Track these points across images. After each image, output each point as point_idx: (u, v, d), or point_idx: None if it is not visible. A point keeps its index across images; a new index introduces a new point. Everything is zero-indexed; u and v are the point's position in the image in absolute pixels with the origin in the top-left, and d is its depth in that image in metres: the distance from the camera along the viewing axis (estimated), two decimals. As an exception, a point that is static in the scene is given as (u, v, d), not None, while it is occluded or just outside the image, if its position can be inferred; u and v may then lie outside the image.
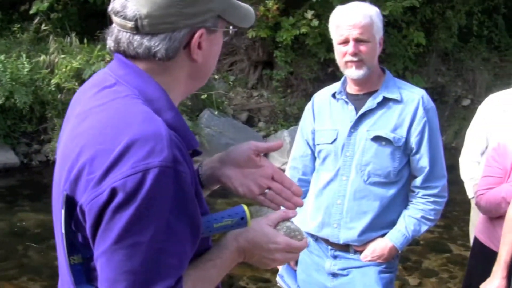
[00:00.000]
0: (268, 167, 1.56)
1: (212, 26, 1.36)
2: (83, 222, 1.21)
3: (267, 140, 10.38)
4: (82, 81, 8.43)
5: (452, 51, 12.71)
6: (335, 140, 2.79)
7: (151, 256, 1.16)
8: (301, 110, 11.11)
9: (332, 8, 2.95)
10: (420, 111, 2.71)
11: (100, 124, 1.25)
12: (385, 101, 2.72)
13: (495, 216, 3.18)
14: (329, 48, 11.10)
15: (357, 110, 2.77)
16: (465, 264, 6.00)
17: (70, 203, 1.23)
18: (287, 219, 1.48)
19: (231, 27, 1.43)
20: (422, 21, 11.74)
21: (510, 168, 3.11)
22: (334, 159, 2.80)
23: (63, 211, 1.23)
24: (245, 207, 1.41)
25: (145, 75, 1.34)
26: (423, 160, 2.73)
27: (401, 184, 2.78)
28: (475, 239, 3.42)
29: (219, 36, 1.41)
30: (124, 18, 1.31)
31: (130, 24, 1.31)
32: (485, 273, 3.25)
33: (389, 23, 10.38)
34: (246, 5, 1.46)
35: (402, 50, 11.48)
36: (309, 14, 10.29)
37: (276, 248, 1.42)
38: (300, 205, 1.56)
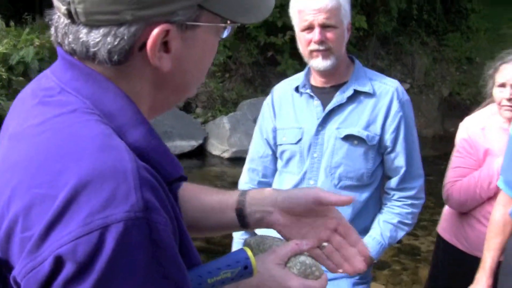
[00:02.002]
0: (333, 218, 1.26)
1: (185, 19, 0.94)
2: None
3: (206, 127, 10.10)
4: (9, 67, 7.90)
5: (391, 35, 12.66)
6: (300, 139, 2.48)
7: None
8: (239, 95, 11.01)
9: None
10: (395, 105, 2.43)
11: (37, 155, 0.86)
12: (356, 94, 2.43)
13: (467, 209, 3.01)
14: (269, 31, 10.99)
15: (324, 105, 2.47)
16: (416, 254, 5.97)
17: (2, 268, 0.85)
18: (301, 252, 1.17)
19: (228, 22, 1.02)
20: (363, 5, 11.61)
21: (482, 159, 2.95)
22: (300, 161, 2.49)
23: None
24: (248, 252, 1.06)
25: (101, 78, 0.95)
26: (399, 159, 2.45)
27: (375, 187, 2.50)
28: (439, 237, 3.26)
29: (205, 34, 0.99)
30: (64, 2, 0.92)
31: (63, 8, 0.92)
32: (452, 274, 3.09)
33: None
34: None
35: (343, 34, 11.33)
36: (249, -4, 9.97)
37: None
38: (362, 270, 1.26)
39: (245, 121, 9.66)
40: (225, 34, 1.04)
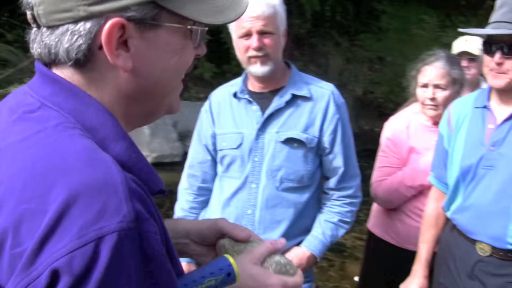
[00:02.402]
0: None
1: (138, 16, 0.94)
2: None
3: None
4: None
5: (305, 36, 12.89)
6: (240, 144, 2.52)
7: None
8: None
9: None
10: (332, 108, 2.51)
11: (24, 171, 0.85)
12: (294, 99, 2.49)
13: (394, 206, 3.14)
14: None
15: (262, 110, 2.52)
16: (342, 250, 6.12)
17: None
18: (275, 252, 1.20)
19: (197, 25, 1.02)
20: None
21: (406, 157, 3.09)
22: (241, 165, 2.53)
23: None
24: (230, 259, 1.09)
25: (81, 92, 0.95)
26: (337, 160, 2.54)
27: (314, 188, 2.57)
28: (370, 233, 3.38)
29: (169, 35, 0.99)
30: (27, 6, 0.95)
31: (29, 14, 0.95)
32: (384, 267, 3.22)
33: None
34: None
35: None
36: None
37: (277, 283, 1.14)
38: None
39: (164, 126, 9.58)
40: (197, 37, 1.03)
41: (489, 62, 2.34)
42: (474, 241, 2.42)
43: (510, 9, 2.27)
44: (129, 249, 0.81)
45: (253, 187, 2.50)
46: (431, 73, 3.04)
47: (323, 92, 2.53)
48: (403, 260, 3.01)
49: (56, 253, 0.78)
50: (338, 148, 2.52)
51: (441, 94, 3.01)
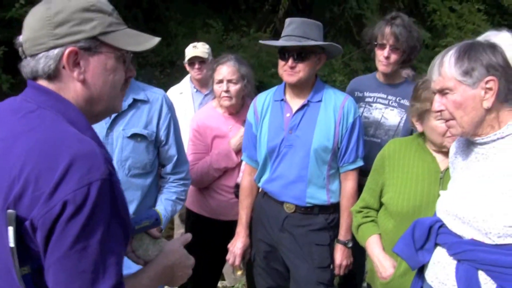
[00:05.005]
0: None
1: (86, 46, 1.47)
2: (32, 235, 1.32)
3: None
4: None
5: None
6: None
7: (98, 256, 1.33)
8: None
9: None
10: (165, 108, 3.08)
11: (38, 146, 1.35)
12: (134, 102, 3.00)
13: (205, 185, 3.74)
14: None
15: (110, 112, 3.02)
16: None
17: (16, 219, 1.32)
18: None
19: (126, 51, 1.55)
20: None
21: (210, 143, 3.72)
22: None
23: (11, 228, 1.31)
24: (158, 211, 1.64)
25: (65, 100, 1.48)
26: (171, 150, 3.12)
27: (155, 174, 3.12)
28: (189, 210, 3.95)
29: (106, 59, 1.52)
30: (20, 45, 1.49)
31: (20, 49, 1.48)
32: (203, 239, 3.67)
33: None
34: (135, 31, 1.60)
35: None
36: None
37: (192, 264, 1.74)
38: None
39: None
40: (126, 60, 1.58)
41: (283, 65, 3.09)
42: (282, 203, 3.19)
43: (297, 26, 3.05)
44: (106, 191, 1.35)
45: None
46: (224, 71, 3.67)
47: (157, 96, 3.09)
48: (217, 229, 3.69)
49: (66, 191, 1.30)
50: (172, 140, 3.11)
51: (233, 88, 3.65)
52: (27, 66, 1.50)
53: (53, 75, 1.48)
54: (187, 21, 11.11)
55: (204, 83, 4.73)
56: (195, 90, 4.87)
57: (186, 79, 5.00)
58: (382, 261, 2.66)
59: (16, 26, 8.69)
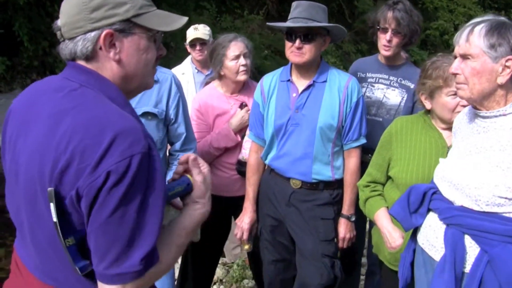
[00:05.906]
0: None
1: (120, 28, 1.57)
2: (77, 205, 1.43)
3: None
4: None
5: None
6: None
7: (136, 224, 1.44)
8: None
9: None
10: (174, 88, 3.18)
11: (83, 123, 1.45)
12: None
13: (208, 162, 3.74)
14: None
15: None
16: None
17: (57, 195, 1.42)
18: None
19: (158, 32, 1.66)
20: None
21: (212, 123, 3.80)
22: None
23: (52, 205, 1.42)
24: (189, 176, 1.73)
25: (105, 79, 1.58)
26: (180, 128, 3.23)
27: (164, 151, 3.24)
28: None
29: (139, 39, 1.62)
30: (58, 29, 1.58)
31: (58, 33, 1.58)
32: None
33: None
34: (164, 12, 1.69)
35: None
36: None
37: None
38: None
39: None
40: (157, 40, 1.68)
41: (290, 46, 3.19)
42: (288, 179, 3.31)
43: (303, 8, 3.15)
44: (145, 163, 1.45)
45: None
46: (239, 46, 3.71)
47: (166, 76, 3.19)
48: (219, 205, 3.64)
49: (109, 163, 1.40)
50: (181, 118, 3.22)
51: (248, 61, 3.71)
52: (65, 48, 1.60)
53: (90, 56, 1.58)
54: (179, 3, 11.13)
55: (205, 64, 4.84)
56: (196, 71, 4.97)
57: (187, 60, 5.08)
58: (391, 232, 2.79)
59: (11, 8, 8.78)
